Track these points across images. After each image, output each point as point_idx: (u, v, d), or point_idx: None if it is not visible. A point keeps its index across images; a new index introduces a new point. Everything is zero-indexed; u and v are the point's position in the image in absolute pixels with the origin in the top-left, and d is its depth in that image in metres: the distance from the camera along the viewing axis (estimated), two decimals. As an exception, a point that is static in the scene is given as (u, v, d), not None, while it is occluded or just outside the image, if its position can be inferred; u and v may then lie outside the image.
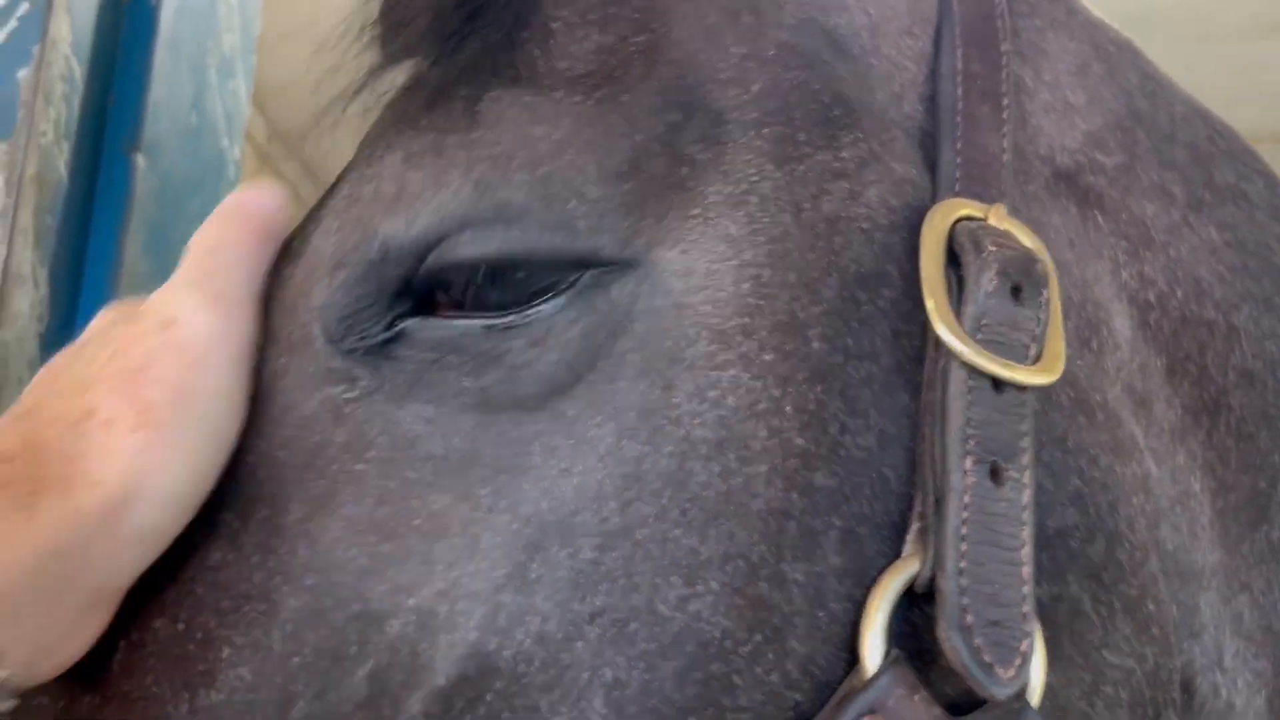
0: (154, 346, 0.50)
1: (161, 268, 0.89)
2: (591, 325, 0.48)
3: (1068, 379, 0.53)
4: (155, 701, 0.47)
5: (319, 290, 0.51)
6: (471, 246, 0.49)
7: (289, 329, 0.52)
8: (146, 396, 0.48)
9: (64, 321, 0.82)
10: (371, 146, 0.54)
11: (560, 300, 0.48)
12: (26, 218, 0.79)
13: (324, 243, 0.52)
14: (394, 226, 0.50)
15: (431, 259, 0.49)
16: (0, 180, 0.79)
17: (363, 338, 0.50)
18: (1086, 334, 0.56)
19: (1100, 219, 0.60)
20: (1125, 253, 0.61)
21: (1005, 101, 0.57)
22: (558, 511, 0.46)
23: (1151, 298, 0.60)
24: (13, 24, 0.82)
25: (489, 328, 0.48)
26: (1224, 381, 0.61)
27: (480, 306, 0.49)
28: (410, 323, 0.50)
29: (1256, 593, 0.60)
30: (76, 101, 0.85)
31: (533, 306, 0.48)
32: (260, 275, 0.54)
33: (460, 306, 0.49)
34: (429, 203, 0.50)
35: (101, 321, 0.54)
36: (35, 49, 0.82)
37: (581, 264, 0.49)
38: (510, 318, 0.48)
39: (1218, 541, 0.59)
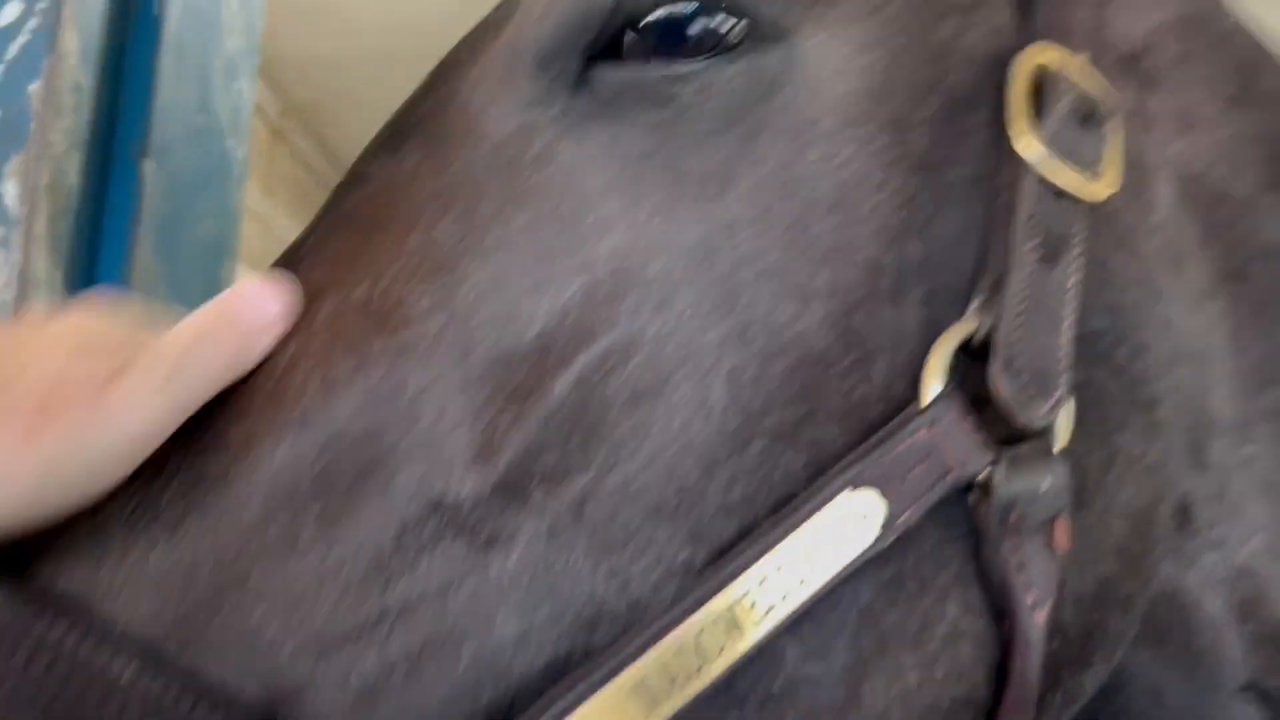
0: (86, 390, 0.51)
1: (171, 268, 0.94)
2: (748, 84, 0.59)
3: (1114, 218, 0.64)
4: (355, 345, 0.56)
5: (530, 33, 0.61)
6: None
7: (497, 73, 0.62)
8: (43, 419, 0.50)
9: (79, 323, 0.87)
10: None
11: (725, 60, 0.59)
12: (41, 226, 0.83)
13: (533, 2, 0.63)
14: None
15: (629, 4, 0.59)
16: (16, 190, 0.83)
17: (563, 73, 0.60)
18: (1133, 191, 0.66)
19: (1156, 99, 0.71)
20: (1174, 131, 0.71)
21: None
22: (703, 230, 0.56)
23: (1192, 172, 0.70)
24: (23, 38, 0.86)
25: (666, 74, 0.59)
26: (1247, 254, 0.71)
27: (661, 59, 0.59)
28: (602, 66, 0.60)
29: (1260, 448, 0.70)
30: (86, 111, 0.89)
31: (703, 61, 0.59)
32: (220, 387, 0.56)
33: (644, 60, 0.60)
34: None
35: (77, 321, 0.55)
36: (45, 63, 0.86)
37: (744, 14, 0.59)
38: (684, 68, 0.59)
39: (1231, 396, 0.69)
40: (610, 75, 0.59)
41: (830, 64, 0.60)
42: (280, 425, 0.54)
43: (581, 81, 0.60)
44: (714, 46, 0.59)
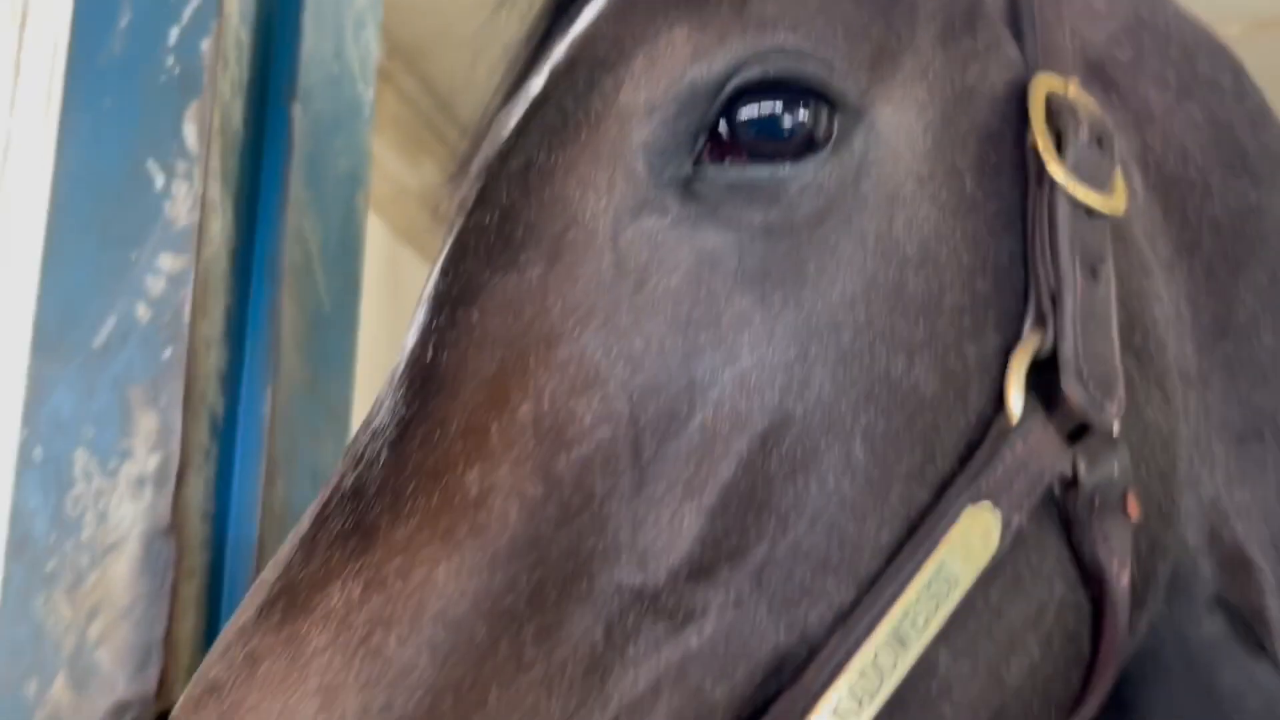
0: None
1: (317, 197, 1.10)
2: (841, 172, 0.66)
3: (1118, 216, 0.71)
4: (541, 467, 0.61)
5: (638, 131, 0.66)
6: (758, 70, 0.66)
7: (607, 175, 0.66)
8: None
9: (245, 243, 1.04)
10: (646, 27, 0.70)
11: (820, 155, 0.66)
12: (215, 160, 1.00)
13: (634, 97, 0.67)
14: (697, 70, 0.67)
15: (730, 85, 0.66)
16: (194, 131, 0.99)
17: (674, 171, 0.66)
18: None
19: (1117, 100, 0.79)
20: (1134, 126, 0.80)
21: (1061, 6, 0.76)
22: (827, 309, 0.64)
23: (1151, 161, 0.80)
24: (195, 3, 1.02)
25: (771, 175, 0.65)
26: (1200, 227, 0.81)
27: (761, 160, 0.66)
28: (708, 166, 0.66)
29: (1217, 394, 0.80)
30: (246, 63, 1.05)
31: (802, 160, 0.66)
32: None
33: (745, 159, 0.66)
34: (721, 51, 0.67)
35: None
36: (213, 23, 1.02)
37: (832, 100, 0.66)
38: (786, 168, 0.65)
39: (1195, 352, 0.79)
40: (718, 175, 0.65)
41: (902, 132, 0.67)
42: (491, 555, 0.59)
43: (691, 180, 0.65)
44: (806, 135, 0.66)
